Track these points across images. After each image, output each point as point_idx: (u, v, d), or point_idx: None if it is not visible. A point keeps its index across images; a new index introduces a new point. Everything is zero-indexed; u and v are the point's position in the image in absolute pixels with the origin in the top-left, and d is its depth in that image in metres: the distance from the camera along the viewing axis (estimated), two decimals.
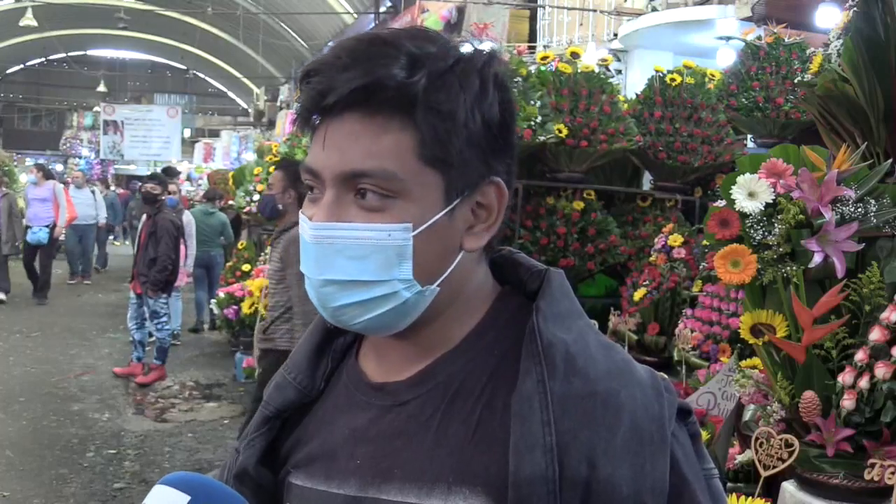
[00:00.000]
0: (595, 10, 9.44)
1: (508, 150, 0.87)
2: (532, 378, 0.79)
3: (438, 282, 0.84)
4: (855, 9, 2.17)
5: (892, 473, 1.72)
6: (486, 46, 0.86)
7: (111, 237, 16.42)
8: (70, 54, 34.38)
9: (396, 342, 0.88)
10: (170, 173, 11.15)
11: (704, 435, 2.16)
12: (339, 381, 0.94)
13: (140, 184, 11.10)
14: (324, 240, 0.81)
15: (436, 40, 0.83)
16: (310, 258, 0.83)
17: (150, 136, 25.45)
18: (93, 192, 13.93)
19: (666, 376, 0.87)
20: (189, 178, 21.49)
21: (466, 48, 0.84)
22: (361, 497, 0.84)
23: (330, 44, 21.10)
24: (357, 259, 0.81)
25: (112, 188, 21.32)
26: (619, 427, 0.77)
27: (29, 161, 24.71)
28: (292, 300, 4.17)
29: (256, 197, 9.00)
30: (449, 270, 0.84)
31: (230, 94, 38.50)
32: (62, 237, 12.15)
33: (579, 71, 4.64)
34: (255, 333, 4.70)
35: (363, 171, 0.79)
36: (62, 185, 12.58)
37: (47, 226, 11.42)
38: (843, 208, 1.87)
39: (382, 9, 17.15)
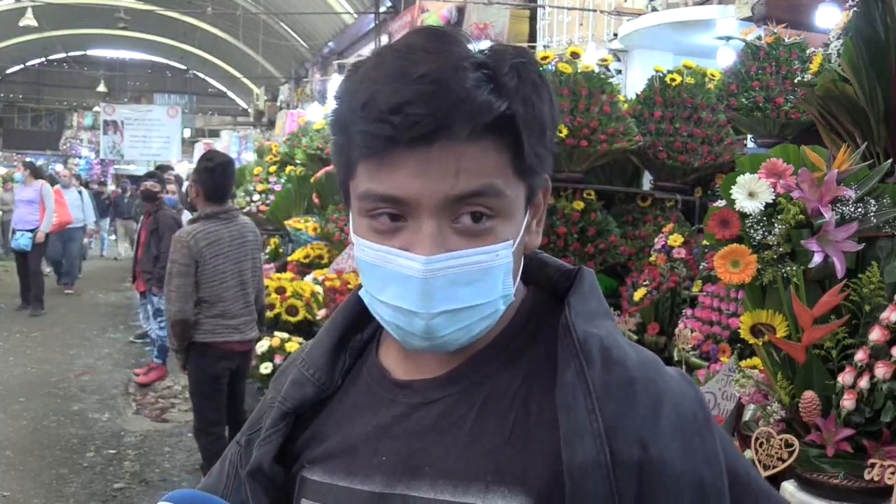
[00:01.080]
0: (595, 10, 9.43)
1: (552, 149, 0.88)
2: (571, 370, 0.79)
3: (515, 287, 0.85)
4: (855, 9, 2.17)
5: (892, 473, 1.72)
6: (518, 48, 0.85)
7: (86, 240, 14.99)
8: (70, 54, 34.39)
9: None
10: (162, 170, 11.14)
11: None
12: (359, 378, 0.93)
13: (127, 182, 11.06)
14: (439, 272, 0.79)
15: (468, 39, 0.83)
16: (415, 293, 0.80)
17: (150, 136, 25.44)
18: (80, 192, 13.12)
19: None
20: (189, 178, 21.47)
21: (500, 49, 0.83)
22: (388, 494, 0.83)
23: (331, 44, 20.97)
24: (470, 284, 0.80)
25: (111, 188, 20.99)
26: (662, 409, 0.79)
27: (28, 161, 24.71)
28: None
29: (256, 197, 9.01)
30: (520, 273, 0.87)
31: (230, 94, 38.49)
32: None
33: (579, 71, 4.63)
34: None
35: (475, 191, 0.79)
36: (51, 187, 11.52)
37: (31, 230, 10.51)
38: (843, 208, 1.87)
39: (382, 9, 17.13)
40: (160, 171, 10.13)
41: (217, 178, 4.35)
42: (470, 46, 0.82)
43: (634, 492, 0.76)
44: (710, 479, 0.78)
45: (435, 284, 0.79)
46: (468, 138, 0.78)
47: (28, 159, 16.55)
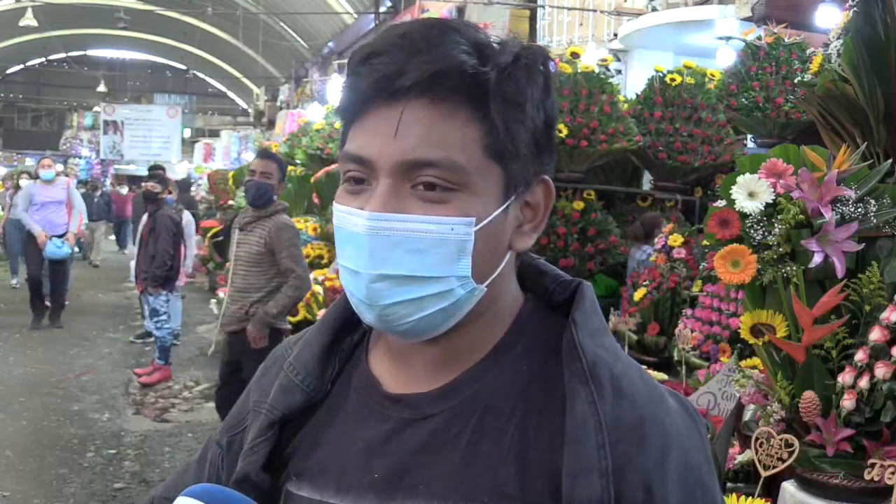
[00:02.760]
0: (595, 10, 9.44)
1: (555, 150, 0.85)
2: (582, 399, 0.77)
3: (488, 282, 0.81)
4: (855, 9, 2.17)
5: (892, 473, 1.72)
6: (538, 46, 0.83)
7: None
8: (70, 54, 34.42)
9: (425, 348, 0.84)
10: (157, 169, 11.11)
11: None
12: (349, 386, 0.89)
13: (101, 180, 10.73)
14: (381, 231, 0.76)
15: (485, 32, 0.81)
16: (361, 251, 0.77)
17: (150, 136, 25.46)
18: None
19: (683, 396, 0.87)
20: (189, 178, 21.47)
21: (515, 44, 0.82)
22: None
23: (331, 44, 21.00)
24: (416, 253, 0.77)
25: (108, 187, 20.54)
26: (669, 453, 0.77)
27: (30, 161, 24.69)
28: (293, 277, 4.49)
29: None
30: (498, 270, 0.82)
31: (230, 94, 38.50)
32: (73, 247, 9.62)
33: (579, 71, 4.64)
34: (221, 317, 4.82)
35: (429, 161, 0.76)
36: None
37: (61, 235, 9.18)
38: (843, 208, 1.87)
39: (382, 9, 17.15)
40: (161, 172, 10.13)
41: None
42: (502, 39, 0.80)
43: None
44: None
45: (378, 243, 0.77)
46: (434, 101, 0.75)
47: (48, 158, 14.87)
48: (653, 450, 0.77)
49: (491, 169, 0.78)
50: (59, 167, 12.30)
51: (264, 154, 5.08)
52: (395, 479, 0.81)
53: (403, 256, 0.77)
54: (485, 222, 0.78)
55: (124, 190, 19.00)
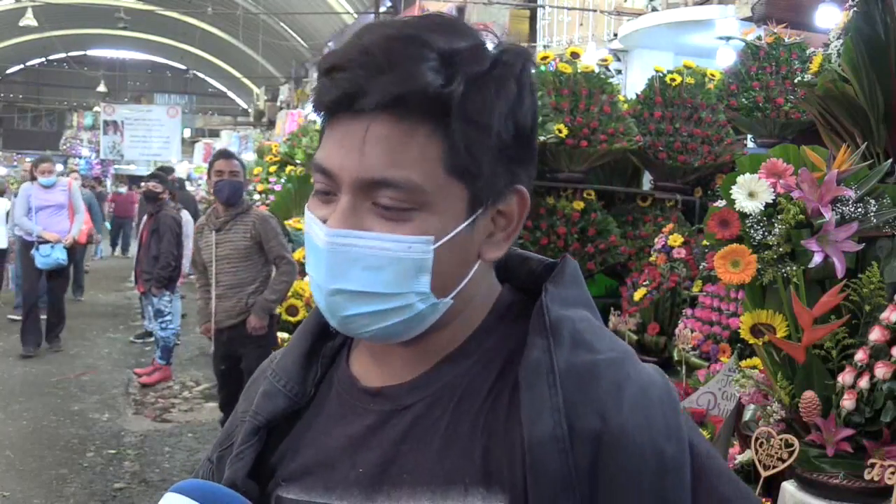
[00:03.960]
0: (595, 10, 9.44)
1: (532, 157, 0.83)
2: (538, 348, 0.77)
3: (453, 294, 0.81)
4: (855, 9, 2.17)
5: (892, 473, 1.72)
6: (519, 47, 0.81)
7: (92, 250, 13.59)
8: (70, 54, 34.44)
9: (400, 348, 0.84)
10: (165, 172, 11.12)
11: (704, 435, 2.17)
12: (331, 388, 0.90)
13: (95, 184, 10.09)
14: (339, 247, 0.77)
15: (464, 33, 0.78)
16: (321, 264, 0.78)
17: (150, 136, 25.44)
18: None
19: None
20: (189, 178, 21.47)
21: (499, 46, 0.80)
22: None
23: (331, 44, 21.04)
24: (373, 270, 0.77)
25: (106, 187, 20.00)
26: (627, 387, 0.76)
27: (30, 161, 24.67)
28: (284, 263, 4.71)
29: (257, 197, 9.01)
30: (465, 282, 0.81)
31: (230, 94, 38.53)
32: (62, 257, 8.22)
33: (579, 71, 4.64)
34: (213, 315, 4.84)
35: (387, 181, 0.75)
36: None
37: (58, 241, 8.09)
38: (843, 208, 1.87)
39: (382, 9, 17.15)
40: (163, 173, 10.13)
41: None
42: (479, 43, 0.78)
43: (590, 462, 0.73)
44: (671, 452, 0.75)
45: (336, 259, 0.77)
46: (396, 119, 0.74)
47: (48, 162, 11.62)
48: (607, 383, 0.75)
49: (453, 187, 0.77)
50: (60, 167, 11.70)
51: (226, 154, 5.22)
52: (379, 472, 0.81)
53: (360, 273, 0.77)
54: (444, 240, 0.77)
55: (123, 189, 18.83)
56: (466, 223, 0.79)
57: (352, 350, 0.91)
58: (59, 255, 8.03)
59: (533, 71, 0.82)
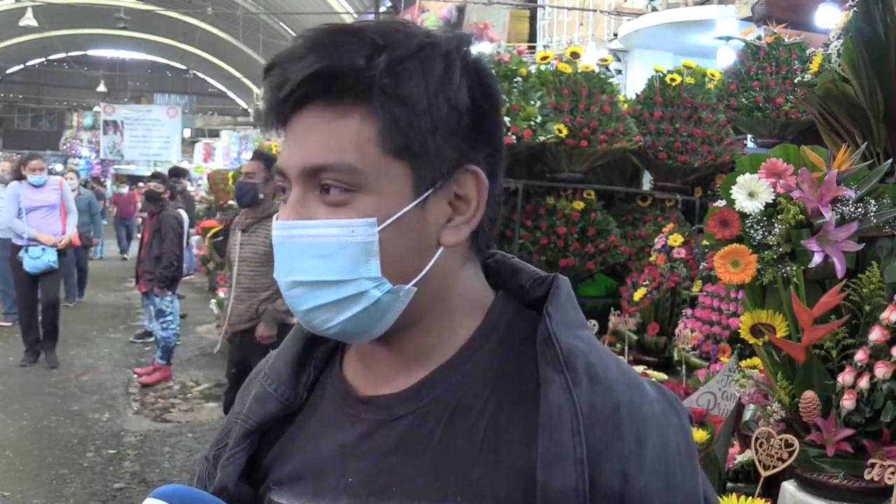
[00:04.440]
0: (595, 10, 9.44)
1: (487, 139, 0.82)
2: (557, 386, 0.76)
3: (415, 281, 0.79)
4: (855, 9, 2.17)
5: (892, 473, 1.72)
6: (455, 32, 0.82)
7: (91, 251, 13.17)
8: (70, 54, 34.45)
9: (382, 350, 0.84)
10: (176, 173, 11.14)
11: (704, 435, 2.17)
12: (324, 392, 0.89)
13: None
14: (288, 239, 0.79)
15: (405, 29, 0.79)
16: (279, 260, 0.80)
17: (150, 136, 25.46)
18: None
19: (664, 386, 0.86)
20: (189, 178, 21.43)
21: (432, 36, 0.80)
22: None
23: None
24: (322, 258, 0.77)
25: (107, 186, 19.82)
26: (647, 439, 0.76)
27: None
28: None
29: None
30: (426, 268, 0.80)
31: (230, 94, 38.54)
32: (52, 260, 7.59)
33: (579, 71, 4.64)
34: (228, 317, 4.83)
35: (322, 165, 0.77)
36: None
37: (54, 245, 7.53)
38: (843, 208, 1.87)
39: (382, 9, 17.15)
40: (174, 177, 10.20)
41: None
42: (416, 33, 0.79)
43: None
44: None
45: (288, 252, 0.79)
46: (328, 106, 0.77)
47: (38, 160, 9.44)
48: (629, 436, 0.75)
49: (393, 166, 0.77)
50: (60, 167, 11.50)
51: (253, 155, 5.19)
52: (368, 482, 0.80)
53: (311, 262, 0.78)
54: (389, 221, 0.77)
55: (124, 189, 18.83)
56: (414, 204, 0.78)
57: (345, 354, 0.91)
58: (50, 258, 7.50)
59: (471, 52, 0.81)
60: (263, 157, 4.90)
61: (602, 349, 0.81)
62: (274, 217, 0.83)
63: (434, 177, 0.79)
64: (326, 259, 0.77)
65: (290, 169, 0.79)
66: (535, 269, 0.88)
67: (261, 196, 4.63)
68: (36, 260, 7.44)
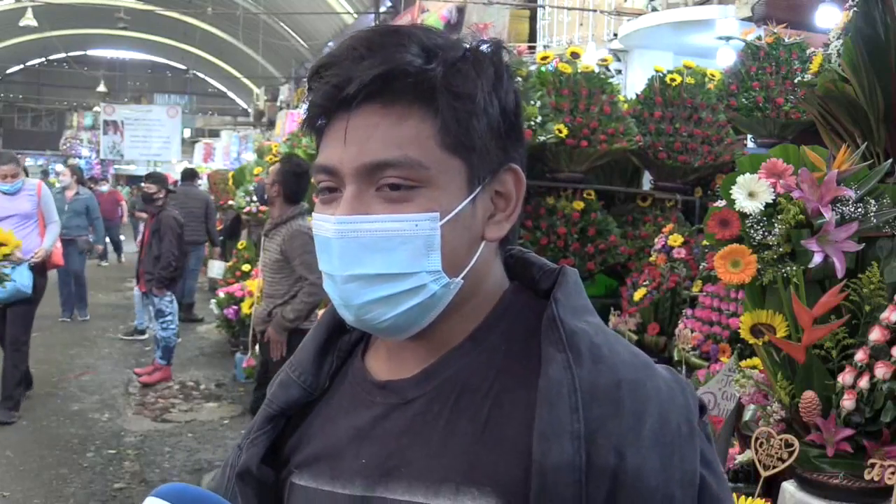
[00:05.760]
0: (595, 10, 9.43)
1: (522, 139, 0.87)
2: (558, 364, 0.77)
3: (463, 273, 0.82)
4: (855, 9, 2.17)
5: (892, 473, 1.72)
6: (491, 38, 0.86)
7: (95, 258, 12.72)
8: (70, 54, 34.44)
9: (409, 342, 0.86)
10: (191, 175, 11.16)
11: None
12: (345, 380, 0.92)
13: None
14: (348, 234, 0.79)
15: (443, 34, 0.83)
16: (333, 255, 0.81)
17: (150, 136, 25.45)
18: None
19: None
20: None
21: (472, 41, 0.84)
22: (369, 497, 0.83)
23: (331, 43, 21.09)
24: (384, 251, 0.79)
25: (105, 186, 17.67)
26: (646, 417, 0.76)
27: (29, 161, 24.66)
28: (307, 284, 4.50)
29: (256, 197, 9.02)
30: (473, 261, 0.83)
31: (230, 94, 38.54)
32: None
33: (579, 71, 4.64)
34: (252, 318, 4.93)
35: (387, 161, 0.78)
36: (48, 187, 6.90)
37: (27, 262, 5.76)
38: (843, 208, 1.87)
39: (382, 9, 17.16)
40: (188, 179, 10.22)
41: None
42: (456, 38, 0.83)
43: (604, 499, 0.74)
44: (680, 499, 0.76)
45: (347, 246, 0.79)
46: (386, 105, 0.78)
47: (9, 165, 6.71)
48: (628, 413, 0.75)
49: (451, 162, 0.80)
50: (60, 167, 10.98)
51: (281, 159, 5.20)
52: (380, 464, 0.83)
53: (372, 256, 0.79)
54: (450, 216, 0.80)
55: (105, 187, 16.86)
56: (468, 200, 0.81)
57: (369, 345, 0.94)
58: (22, 281, 5.64)
59: (507, 57, 0.85)
60: (285, 162, 4.87)
61: (611, 333, 0.82)
62: (321, 215, 0.83)
63: (484, 173, 0.82)
64: (389, 253, 0.79)
65: (344, 165, 0.80)
66: (547, 262, 0.91)
67: (265, 196, 4.73)
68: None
